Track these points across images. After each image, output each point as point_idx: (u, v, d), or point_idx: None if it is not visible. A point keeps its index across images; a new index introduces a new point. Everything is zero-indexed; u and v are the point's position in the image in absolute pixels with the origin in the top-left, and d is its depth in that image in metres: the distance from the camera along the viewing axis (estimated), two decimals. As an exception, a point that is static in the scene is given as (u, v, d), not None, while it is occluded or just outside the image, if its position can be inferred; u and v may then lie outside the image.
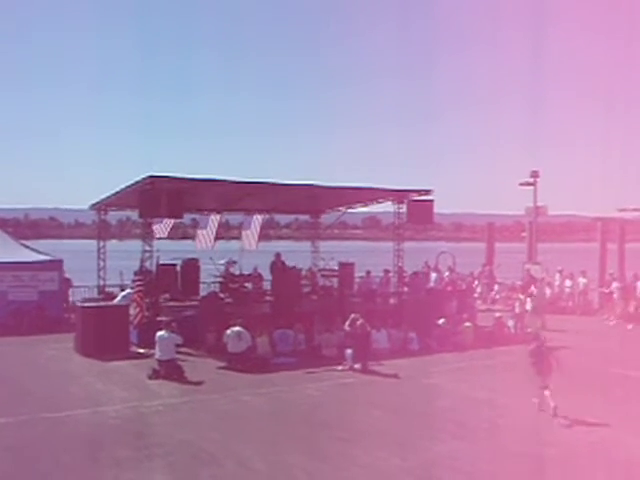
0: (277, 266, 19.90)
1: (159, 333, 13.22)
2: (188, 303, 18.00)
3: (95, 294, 21.86)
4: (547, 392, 10.42)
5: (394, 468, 7.99)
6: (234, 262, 20.45)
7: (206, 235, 23.24)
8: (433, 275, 22.56)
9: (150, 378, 12.61)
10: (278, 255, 20.24)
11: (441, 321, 17.33)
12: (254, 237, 23.57)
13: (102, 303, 18.24)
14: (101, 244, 22.76)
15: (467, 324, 17.21)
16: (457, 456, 8.41)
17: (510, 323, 18.50)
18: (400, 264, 20.49)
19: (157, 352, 13.04)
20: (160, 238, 20.38)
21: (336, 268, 21.71)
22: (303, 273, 21.64)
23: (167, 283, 18.64)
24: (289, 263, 20.58)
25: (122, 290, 19.37)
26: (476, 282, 24.94)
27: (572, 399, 11.32)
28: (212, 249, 22.77)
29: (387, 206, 21.03)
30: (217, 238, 23.63)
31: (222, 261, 20.53)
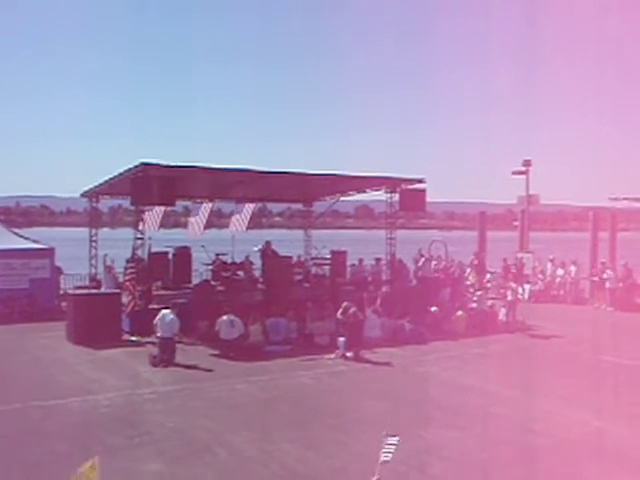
0: (267, 254, 19.84)
1: (163, 311, 13.29)
2: (180, 291, 17.94)
3: (87, 282, 21.78)
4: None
5: (386, 455, 8.00)
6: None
7: (196, 223, 23.20)
8: (422, 261, 21.98)
9: (154, 365, 12.64)
10: (268, 243, 20.13)
11: (433, 309, 17.39)
12: (244, 222, 23.57)
13: (94, 291, 18.18)
14: (93, 232, 22.64)
15: (459, 312, 17.27)
16: (449, 444, 8.44)
17: (502, 311, 18.57)
18: (392, 252, 20.48)
19: (159, 330, 13.07)
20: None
21: (328, 256, 21.72)
22: (294, 261, 21.60)
23: (159, 271, 18.56)
24: (282, 252, 20.52)
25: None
26: (468, 270, 24.91)
27: (564, 388, 11.42)
28: (201, 235, 22.70)
29: (379, 195, 21.03)
30: (208, 226, 23.58)
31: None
